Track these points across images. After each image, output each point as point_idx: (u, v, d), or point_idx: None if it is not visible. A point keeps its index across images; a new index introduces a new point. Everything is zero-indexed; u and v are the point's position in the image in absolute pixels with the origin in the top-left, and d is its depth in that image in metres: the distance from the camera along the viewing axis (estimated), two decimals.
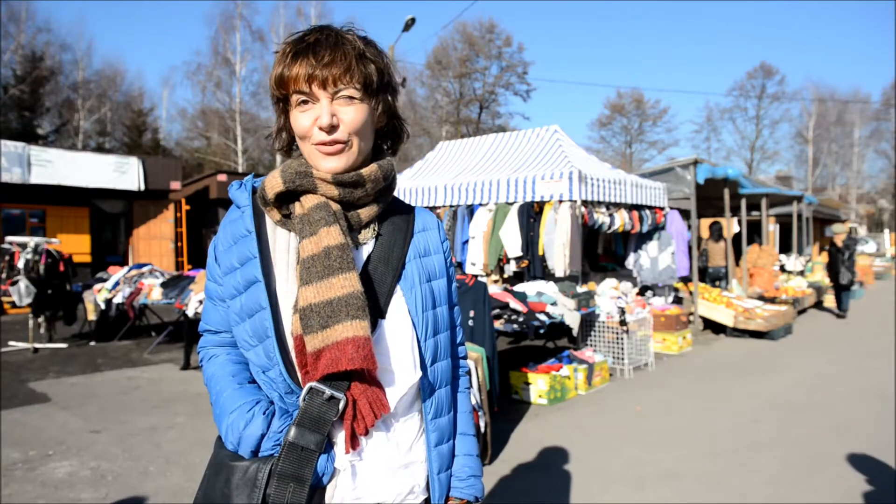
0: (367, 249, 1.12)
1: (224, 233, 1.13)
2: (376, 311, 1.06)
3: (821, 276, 13.63)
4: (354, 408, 1.01)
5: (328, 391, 0.99)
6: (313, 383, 0.99)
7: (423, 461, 1.13)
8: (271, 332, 1.01)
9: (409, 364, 1.08)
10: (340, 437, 1.03)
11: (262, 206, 1.10)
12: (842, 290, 10.77)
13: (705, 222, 12.92)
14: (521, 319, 5.39)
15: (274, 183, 1.08)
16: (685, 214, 9.64)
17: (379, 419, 1.02)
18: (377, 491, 1.06)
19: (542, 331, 5.60)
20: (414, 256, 1.15)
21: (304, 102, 1.04)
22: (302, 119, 1.05)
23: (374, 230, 1.13)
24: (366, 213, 1.11)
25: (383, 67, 1.09)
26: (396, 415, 1.09)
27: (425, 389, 1.12)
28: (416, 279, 1.12)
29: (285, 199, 1.09)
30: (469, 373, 1.33)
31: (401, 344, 1.08)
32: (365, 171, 1.08)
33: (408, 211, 1.22)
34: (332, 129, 1.03)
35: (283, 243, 1.09)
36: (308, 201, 1.07)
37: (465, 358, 1.32)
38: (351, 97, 1.04)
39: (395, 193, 1.22)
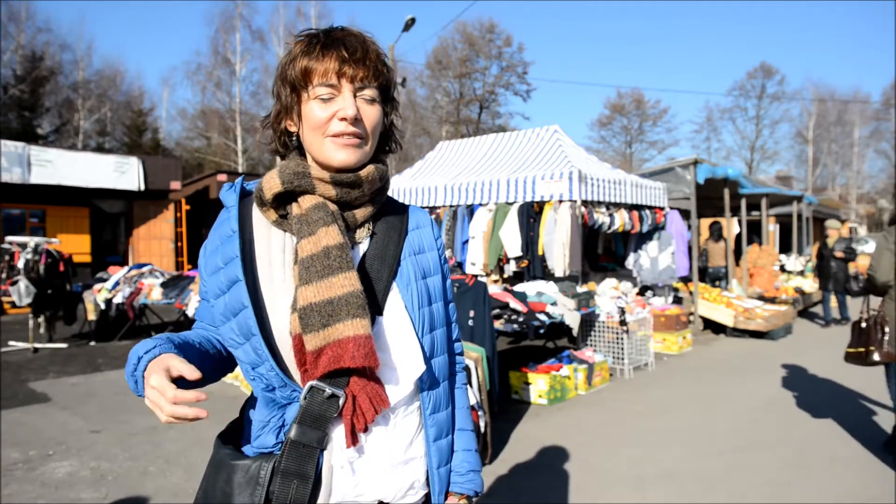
0: (362, 248, 1.13)
1: (213, 234, 1.15)
2: (374, 308, 1.07)
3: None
4: (354, 403, 1.01)
5: (329, 389, 1.00)
6: (314, 382, 1.00)
7: (423, 456, 1.14)
8: (256, 330, 1.02)
9: (407, 360, 1.09)
10: (341, 434, 1.03)
11: (259, 207, 1.12)
12: (850, 296, 9.46)
13: (705, 222, 12.91)
14: (521, 319, 5.40)
15: (272, 184, 1.09)
16: (685, 214, 9.64)
17: (379, 414, 1.03)
18: (378, 487, 1.07)
19: (542, 331, 5.59)
20: (409, 254, 1.17)
21: (325, 95, 1.06)
22: (320, 110, 1.06)
23: (369, 229, 1.14)
24: (361, 213, 1.13)
25: (393, 78, 1.15)
26: (396, 410, 1.09)
27: (423, 385, 1.13)
28: (412, 276, 1.14)
29: (283, 200, 1.10)
30: (466, 369, 1.34)
31: (399, 340, 1.09)
32: (362, 172, 1.10)
33: (401, 209, 1.23)
34: (355, 121, 1.06)
35: (278, 243, 1.10)
36: (306, 202, 1.08)
37: (461, 354, 1.33)
38: (372, 98, 1.08)
39: (396, 194, 1.24)
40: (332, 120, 1.05)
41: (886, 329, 3.83)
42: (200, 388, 0.98)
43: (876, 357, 3.83)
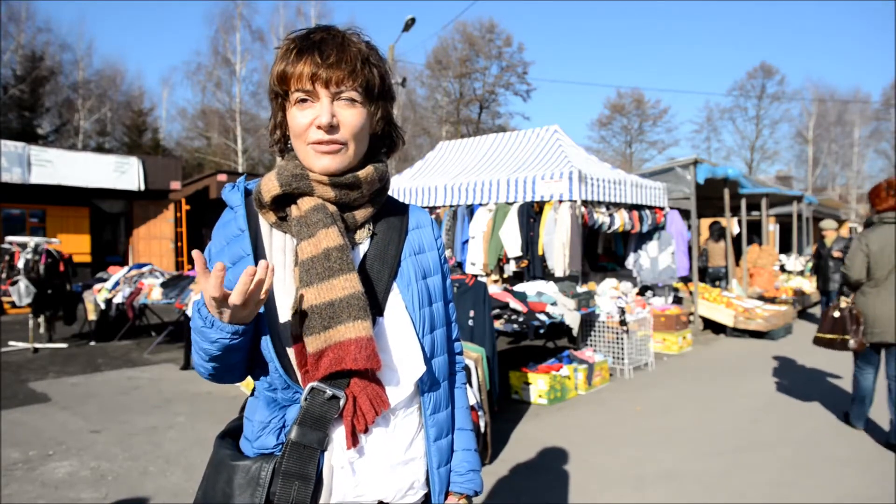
0: (362, 249, 1.13)
1: (217, 235, 1.14)
2: (375, 308, 1.07)
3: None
4: (354, 405, 1.01)
5: (329, 391, 1.00)
6: (315, 383, 1.00)
7: (423, 456, 1.14)
8: (265, 330, 1.02)
9: (409, 360, 1.08)
10: (341, 435, 1.03)
11: (258, 209, 1.11)
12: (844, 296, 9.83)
13: (705, 222, 12.90)
14: (521, 319, 5.39)
15: (270, 186, 1.08)
16: (685, 214, 9.63)
17: (379, 416, 1.03)
18: (378, 487, 1.07)
19: (542, 331, 5.60)
20: (409, 254, 1.16)
21: (304, 101, 1.04)
22: (300, 117, 1.04)
23: (370, 230, 1.14)
24: (361, 214, 1.12)
25: (384, 74, 1.11)
26: (396, 411, 1.09)
27: (424, 385, 1.13)
28: (412, 276, 1.13)
29: (281, 202, 1.09)
30: (466, 369, 1.34)
31: (400, 341, 1.08)
32: (361, 173, 1.09)
33: (402, 209, 1.22)
34: (331, 128, 1.03)
35: (279, 244, 1.09)
36: (305, 203, 1.07)
37: (460, 354, 1.33)
38: (352, 100, 1.05)
39: (396, 194, 1.23)
40: (310, 127, 1.04)
41: (860, 321, 4.26)
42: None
43: (851, 345, 4.28)
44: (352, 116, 1.05)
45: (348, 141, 1.06)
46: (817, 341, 4.54)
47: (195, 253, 0.92)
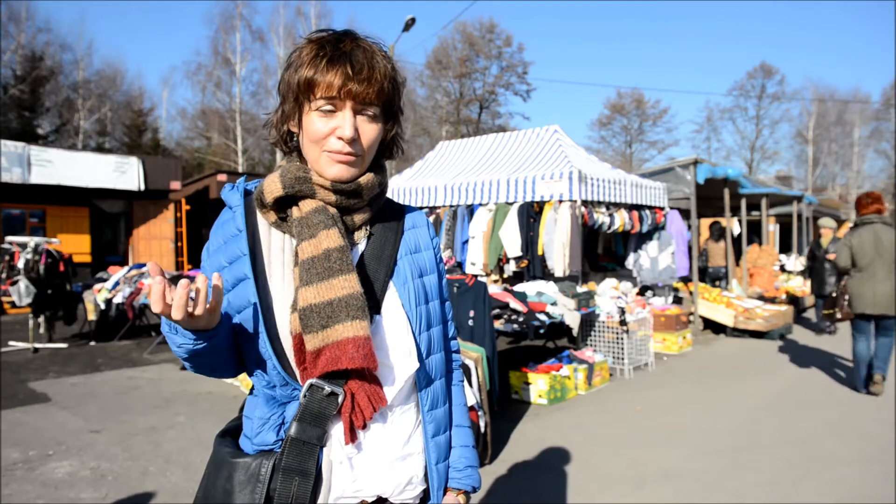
0: (360, 249, 1.15)
1: (215, 234, 1.15)
2: (372, 306, 1.08)
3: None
4: (353, 401, 1.03)
5: (328, 387, 1.01)
6: (313, 380, 1.02)
7: (421, 452, 1.15)
8: (262, 328, 1.03)
9: (405, 357, 1.10)
10: (339, 430, 1.04)
11: (259, 209, 1.13)
12: None
13: (705, 222, 12.89)
14: (521, 319, 5.39)
15: (273, 187, 1.09)
16: (685, 214, 9.63)
17: (377, 412, 1.04)
18: (376, 482, 1.08)
19: (542, 331, 5.59)
20: (405, 253, 1.18)
21: (326, 110, 1.05)
22: (320, 124, 1.05)
23: (367, 230, 1.16)
24: (360, 216, 1.14)
25: (402, 91, 1.14)
26: (393, 408, 1.11)
27: (421, 382, 1.14)
28: (408, 275, 1.15)
29: (283, 203, 1.11)
30: (466, 369, 1.35)
31: (397, 338, 1.10)
32: (362, 180, 1.11)
33: (398, 210, 1.25)
34: (352, 141, 1.05)
35: (278, 244, 1.11)
36: (306, 205, 1.09)
37: (457, 352, 1.35)
38: (374, 116, 1.08)
39: (395, 193, 1.24)
40: (330, 136, 1.05)
41: (846, 297, 5.52)
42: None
43: (838, 316, 5.55)
44: (371, 131, 1.08)
45: (364, 153, 1.09)
46: (824, 316, 5.94)
47: (151, 264, 0.94)
